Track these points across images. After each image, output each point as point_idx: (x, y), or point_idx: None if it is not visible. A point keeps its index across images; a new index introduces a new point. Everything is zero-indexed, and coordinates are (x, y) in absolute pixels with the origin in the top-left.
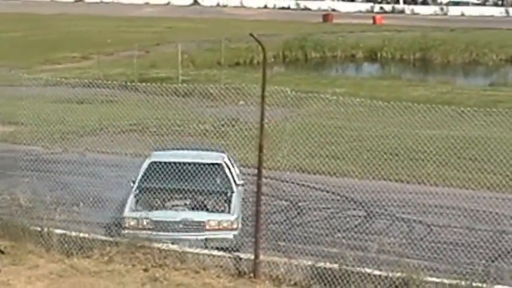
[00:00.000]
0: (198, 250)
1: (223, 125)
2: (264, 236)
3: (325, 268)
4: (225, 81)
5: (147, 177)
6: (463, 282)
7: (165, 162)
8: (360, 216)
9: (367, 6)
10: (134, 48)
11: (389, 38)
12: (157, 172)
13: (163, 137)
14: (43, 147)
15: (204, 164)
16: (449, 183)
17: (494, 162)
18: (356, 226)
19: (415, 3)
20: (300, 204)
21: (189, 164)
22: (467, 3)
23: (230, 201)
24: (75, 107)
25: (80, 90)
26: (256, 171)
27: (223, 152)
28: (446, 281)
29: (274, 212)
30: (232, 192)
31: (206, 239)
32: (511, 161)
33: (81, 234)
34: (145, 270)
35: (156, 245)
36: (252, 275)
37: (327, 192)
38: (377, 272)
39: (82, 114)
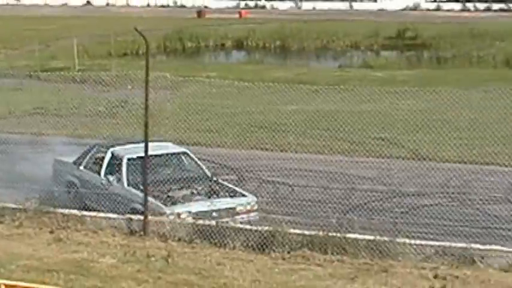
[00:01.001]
0: (95, 213)
1: (114, 107)
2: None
3: (204, 225)
4: (115, 69)
5: (134, 172)
6: (320, 233)
7: (140, 157)
8: (232, 180)
9: (234, 3)
10: (36, 43)
11: (253, 29)
12: (139, 167)
13: (63, 118)
14: None
15: (175, 154)
16: (307, 150)
17: (344, 131)
18: None
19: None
20: None
21: (164, 155)
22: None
23: (226, 185)
24: None
25: None
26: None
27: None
28: (306, 232)
29: None
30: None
31: (241, 223)
32: (357, 130)
33: None
34: (51, 232)
35: (59, 210)
36: (142, 233)
37: (204, 160)
38: (248, 227)
39: None
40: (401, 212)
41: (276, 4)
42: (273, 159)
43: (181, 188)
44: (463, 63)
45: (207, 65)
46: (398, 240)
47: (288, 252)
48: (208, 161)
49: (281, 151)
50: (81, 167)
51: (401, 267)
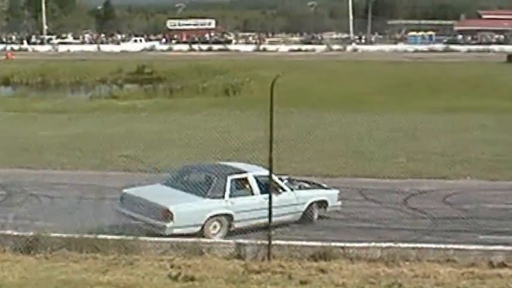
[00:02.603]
0: None
1: None
2: None
3: None
4: None
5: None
6: (76, 235)
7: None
8: (2, 195)
9: (1, 46)
10: None
11: (18, 68)
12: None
13: None
14: None
15: None
16: (65, 167)
17: (95, 150)
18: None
19: (35, 44)
20: None
21: None
22: (71, 43)
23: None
24: None
25: None
26: None
27: None
28: (65, 235)
29: None
30: None
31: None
32: (106, 149)
33: None
34: None
35: None
36: None
37: None
38: (15, 233)
39: None
40: None
41: (36, 47)
42: (36, 176)
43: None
44: (191, 93)
45: None
46: (140, 238)
47: (50, 253)
48: None
49: (43, 169)
50: (226, 197)
51: (144, 260)
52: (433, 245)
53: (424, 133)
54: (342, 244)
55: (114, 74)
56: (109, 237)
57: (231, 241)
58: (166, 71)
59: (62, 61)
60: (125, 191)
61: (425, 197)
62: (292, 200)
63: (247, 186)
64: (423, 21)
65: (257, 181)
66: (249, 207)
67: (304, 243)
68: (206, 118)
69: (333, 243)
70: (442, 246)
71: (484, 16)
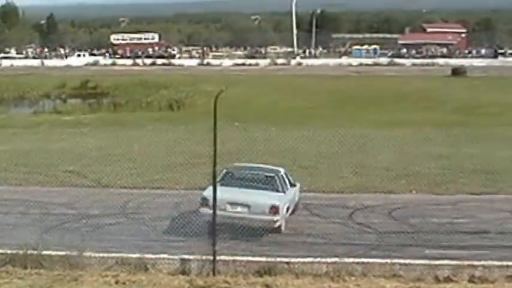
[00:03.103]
0: None
1: None
2: None
3: None
4: None
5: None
6: (20, 251)
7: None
8: None
9: None
10: None
11: None
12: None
13: None
14: None
15: None
16: (9, 183)
17: (39, 166)
18: None
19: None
20: None
21: None
22: (14, 58)
23: None
24: None
25: None
26: None
27: None
28: (9, 251)
29: None
30: None
31: None
32: (50, 164)
33: None
34: None
35: None
36: None
37: None
38: None
39: None
40: (88, 231)
41: None
42: None
43: None
44: (135, 108)
45: None
46: (85, 254)
47: None
48: None
49: None
50: (285, 192)
51: (89, 276)
52: (379, 260)
53: (369, 147)
54: (287, 259)
55: (57, 89)
56: (53, 253)
57: (175, 257)
58: (110, 85)
59: (5, 76)
60: (205, 194)
61: (371, 211)
62: (295, 193)
63: (285, 181)
64: (367, 35)
65: (286, 177)
66: (291, 199)
67: (250, 258)
68: (150, 133)
69: (278, 259)
70: (388, 261)
71: (429, 29)
